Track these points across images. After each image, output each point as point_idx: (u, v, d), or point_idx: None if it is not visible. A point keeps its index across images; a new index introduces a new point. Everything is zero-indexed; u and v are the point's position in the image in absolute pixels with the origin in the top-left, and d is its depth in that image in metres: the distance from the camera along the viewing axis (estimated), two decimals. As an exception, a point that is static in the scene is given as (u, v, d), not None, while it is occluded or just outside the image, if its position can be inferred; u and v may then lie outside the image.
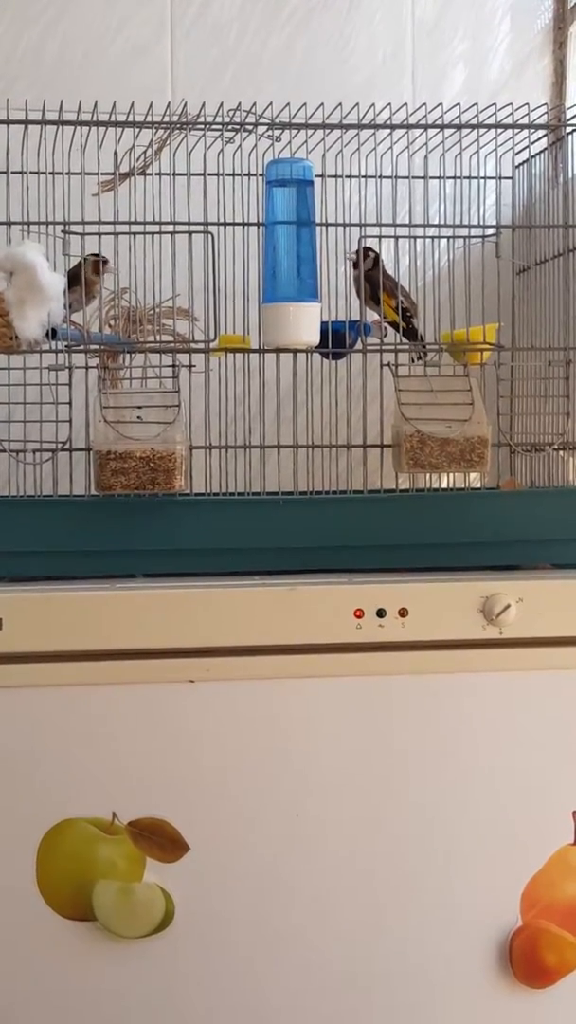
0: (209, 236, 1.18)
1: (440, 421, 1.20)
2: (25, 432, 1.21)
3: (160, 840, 1.09)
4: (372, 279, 1.28)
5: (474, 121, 1.28)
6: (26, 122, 1.21)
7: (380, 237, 1.26)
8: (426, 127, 1.28)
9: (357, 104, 1.27)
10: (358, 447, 1.26)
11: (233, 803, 1.10)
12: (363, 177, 1.29)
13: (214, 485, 1.24)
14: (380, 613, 1.11)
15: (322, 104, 1.25)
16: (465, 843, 1.13)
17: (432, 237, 1.28)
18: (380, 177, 1.29)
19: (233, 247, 1.28)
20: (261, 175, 1.25)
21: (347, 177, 1.29)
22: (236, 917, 1.11)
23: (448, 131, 1.29)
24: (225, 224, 1.26)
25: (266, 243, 1.20)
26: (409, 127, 1.28)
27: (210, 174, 1.25)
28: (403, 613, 1.11)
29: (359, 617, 1.11)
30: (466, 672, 1.12)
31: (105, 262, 1.23)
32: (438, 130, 1.29)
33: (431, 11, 1.57)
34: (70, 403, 1.19)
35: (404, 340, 1.28)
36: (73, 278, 1.22)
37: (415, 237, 1.27)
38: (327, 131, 1.26)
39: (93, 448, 1.17)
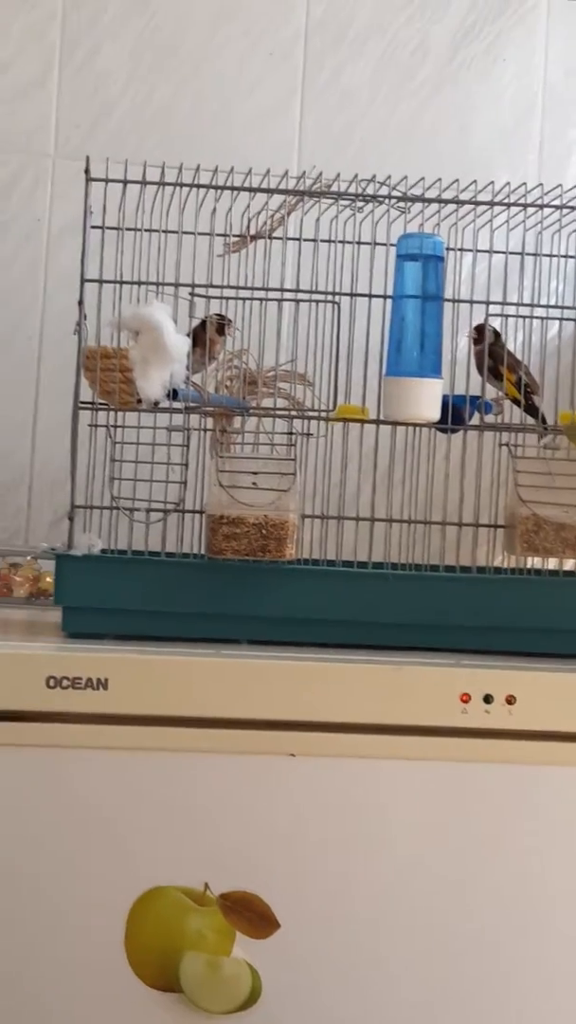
0: (336, 307, 1.17)
1: (557, 505, 1.18)
2: (135, 491, 1.21)
3: (250, 915, 1.08)
4: (494, 353, 1.26)
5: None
6: (158, 183, 1.21)
7: (503, 316, 1.25)
8: (542, 207, 1.27)
9: (475, 182, 1.25)
10: (469, 526, 1.24)
11: (327, 882, 1.08)
12: (483, 252, 1.28)
13: (313, 551, 1.22)
14: (487, 699, 1.09)
15: (439, 180, 1.24)
16: (561, 946, 1.10)
17: (556, 319, 1.26)
18: (508, 253, 1.27)
19: (357, 314, 1.27)
20: (386, 244, 1.24)
21: (463, 251, 1.28)
22: (324, 1000, 1.08)
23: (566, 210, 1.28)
24: (353, 295, 1.25)
25: (393, 316, 1.19)
26: (530, 206, 1.27)
27: (337, 241, 1.25)
28: (511, 700, 1.09)
29: (465, 701, 1.09)
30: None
31: (229, 323, 1.23)
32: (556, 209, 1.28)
33: (560, 85, 1.56)
34: (185, 464, 1.19)
35: (524, 419, 1.26)
36: (194, 338, 1.21)
37: (536, 318, 1.25)
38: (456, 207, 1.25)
39: (207, 512, 1.17)
